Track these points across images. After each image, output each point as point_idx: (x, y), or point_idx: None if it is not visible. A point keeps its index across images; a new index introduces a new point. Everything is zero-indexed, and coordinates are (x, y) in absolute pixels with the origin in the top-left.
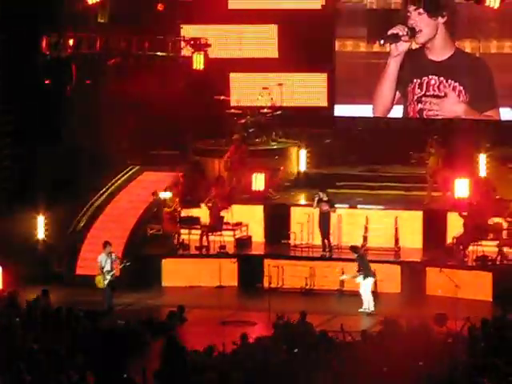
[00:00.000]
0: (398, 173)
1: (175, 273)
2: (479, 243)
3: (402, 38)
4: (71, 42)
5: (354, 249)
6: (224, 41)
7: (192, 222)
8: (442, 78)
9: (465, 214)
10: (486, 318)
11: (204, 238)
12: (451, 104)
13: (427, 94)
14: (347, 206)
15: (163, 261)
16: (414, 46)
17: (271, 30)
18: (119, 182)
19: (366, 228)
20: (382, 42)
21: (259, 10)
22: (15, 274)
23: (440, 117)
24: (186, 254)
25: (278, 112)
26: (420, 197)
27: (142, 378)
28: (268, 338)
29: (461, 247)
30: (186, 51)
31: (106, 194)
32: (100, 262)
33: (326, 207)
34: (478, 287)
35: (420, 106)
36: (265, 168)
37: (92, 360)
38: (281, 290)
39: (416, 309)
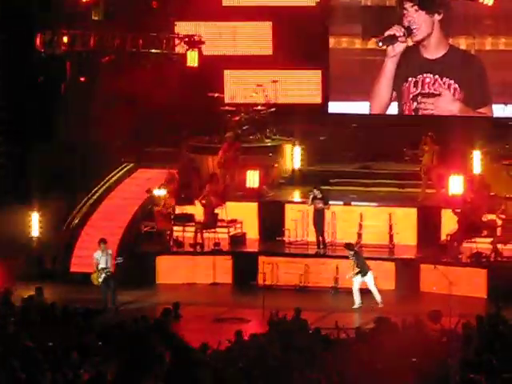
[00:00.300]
0: (392, 170)
1: (169, 270)
2: (473, 240)
3: (399, 39)
4: (65, 39)
5: (348, 246)
6: (218, 38)
7: (186, 219)
8: (436, 76)
9: (459, 210)
10: (481, 315)
11: (198, 235)
12: (446, 102)
13: (422, 92)
14: (341, 202)
15: (157, 258)
16: (410, 44)
17: (265, 27)
18: (113, 179)
19: (361, 225)
20: (380, 43)
21: (253, 6)
22: (9, 271)
23: (435, 114)
24: (180, 252)
25: (273, 109)
26: (414, 194)
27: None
28: (262, 335)
29: (455, 244)
30: (180, 48)
31: (101, 191)
32: (96, 259)
33: (320, 204)
34: (473, 284)
35: (415, 104)
36: (259, 165)
37: (87, 358)
38: (275, 287)
39: (410, 306)
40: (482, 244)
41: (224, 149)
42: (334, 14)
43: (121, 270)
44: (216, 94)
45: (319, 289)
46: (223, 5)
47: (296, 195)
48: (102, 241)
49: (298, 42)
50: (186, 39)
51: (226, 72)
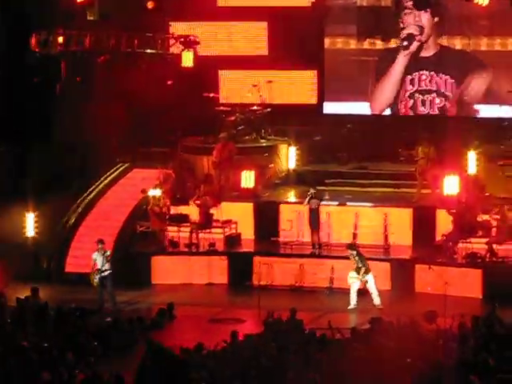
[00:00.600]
0: (387, 170)
1: (165, 270)
2: (468, 240)
3: (416, 38)
4: (61, 39)
5: (350, 246)
6: (213, 38)
7: (181, 219)
8: (432, 73)
9: (454, 211)
10: (477, 316)
11: (193, 235)
12: (444, 97)
13: (419, 89)
14: (337, 203)
15: (152, 258)
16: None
17: (261, 28)
18: (109, 179)
19: (356, 225)
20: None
21: (249, 7)
22: (5, 271)
23: (433, 112)
24: (175, 252)
25: (268, 109)
26: (409, 194)
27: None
28: (258, 336)
29: (450, 244)
30: (176, 48)
31: (96, 191)
32: (94, 259)
33: (315, 204)
34: (468, 284)
35: (412, 101)
36: (254, 165)
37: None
38: (270, 287)
39: (405, 306)
40: (477, 244)
41: (218, 149)
42: (329, 14)
43: (116, 270)
44: (211, 94)
45: (314, 289)
46: (218, 5)
47: (291, 195)
48: (100, 241)
49: (293, 42)
50: (181, 39)
51: (221, 72)
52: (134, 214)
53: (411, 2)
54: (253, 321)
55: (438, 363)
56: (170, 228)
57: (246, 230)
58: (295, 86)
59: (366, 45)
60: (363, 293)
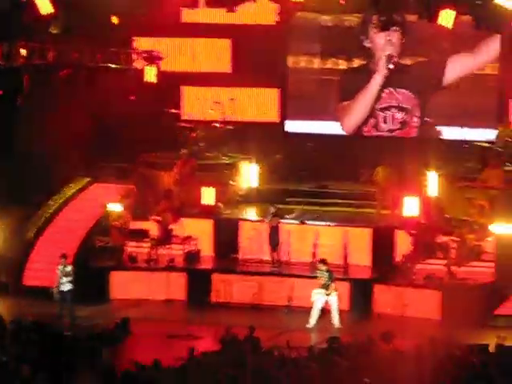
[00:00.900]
0: (347, 190)
1: (123, 286)
2: (427, 262)
3: (395, 58)
4: (23, 51)
5: (323, 261)
6: (177, 54)
7: (141, 234)
8: (391, 88)
9: (413, 232)
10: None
11: (153, 251)
12: (404, 111)
13: (380, 106)
14: (297, 221)
15: (111, 273)
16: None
17: (224, 45)
18: (69, 193)
19: (315, 244)
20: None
21: (213, 23)
22: None
23: (395, 127)
24: (134, 267)
25: (230, 127)
26: (369, 214)
27: None
28: (215, 353)
29: (409, 265)
30: (139, 63)
31: (56, 205)
32: (58, 273)
33: (275, 222)
34: (426, 306)
35: (374, 120)
36: (215, 182)
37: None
38: (229, 304)
39: (363, 326)
40: (436, 266)
41: (179, 165)
42: (293, 32)
43: (74, 284)
44: (173, 110)
45: (273, 307)
46: (182, 21)
47: (251, 213)
48: (62, 256)
49: (257, 60)
50: (145, 54)
51: (184, 88)
52: (94, 228)
53: (377, 21)
54: (210, 338)
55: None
56: (129, 243)
57: (206, 247)
58: (258, 104)
59: (330, 64)
60: (323, 312)
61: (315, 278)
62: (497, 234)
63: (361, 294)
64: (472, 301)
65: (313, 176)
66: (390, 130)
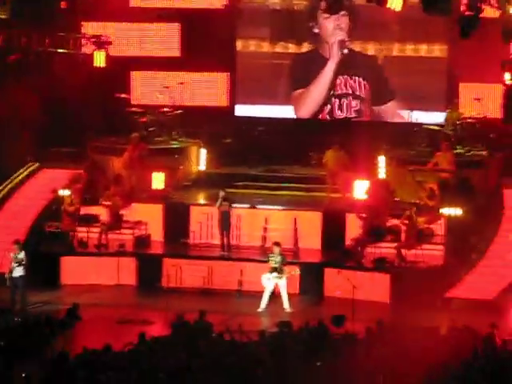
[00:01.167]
0: (297, 173)
1: (74, 271)
2: (377, 245)
3: (346, 43)
4: None
5: (277, 244)
6: (125, 38)
7: (91, 220)
8: (346, 76)
9: (363, 215)
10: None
11: (103, 236)
12: (359, 100)
13: (335, 93)
14: (247, 205)
15: (61, 259)
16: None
17: (173, 29)
18: (18, 179)
19: (266, 228)
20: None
21: (161, 8)
22: None
23: (350, 115)
24: (84, 252)
25: (179, 111)
26: (319, 198)
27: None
28: (166, 338)
29: (359, 249)
30: (88, 48)
31: (5, 191)
32: (11, 259)
33: (226, 207)
34: (376, 289)
35: (329, 106)
36: (165, 167)
37: None
38: (179, 289)
39: (314, 310)
40: (386, 249)
41: (129, 149)
42: (241, 16)
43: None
44: (123, 95)
45: (224, 291)
46: (131, 5)
47: (201, 197)
48: (15, 242)
49: (206, 44)
50: (94, 39)
51: (133, 73)
52: (43, 214)
53: (325, 6)
54: (161, 323)
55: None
56: (79, 228)
57: (156, 232)
58: (207, 88)
59: (279, 48)
60: (273, 296)
61: (266, 262)
62: (447, 216)
63: (311, 277)
64: (422, 284)
65: (263, 160)
66: (346, 118)
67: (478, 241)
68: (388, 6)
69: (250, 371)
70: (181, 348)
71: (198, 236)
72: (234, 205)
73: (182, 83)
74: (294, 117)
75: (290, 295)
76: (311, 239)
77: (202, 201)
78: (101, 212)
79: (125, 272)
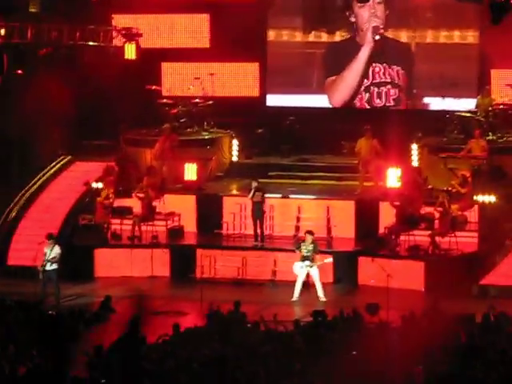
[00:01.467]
0: (329, 162)
1: (107, 263)
2: (411, 233)
3: (380, 30)
4: (2, 31)
5: (310, 233)
6: (156, 30)
7: (124, 212)
8: (384, 64)
9: (397, 203)
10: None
11: (136, 228)
12: (398, 88)
13: (374, 81)
14: (279, 195)
15: (95, 251)
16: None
17: (203, 20)
18: (51, 172)
19: (298, 218)
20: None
21: None
22: None
23: (389, 103)
24: (118, 245)
25: (210, 102)
26: (352, 186)
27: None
28: (200, 329)
29: (393, 237)
30: (118, 41)
31: (38, 184)
32: (44, 253)
33: (259, 197)
34: (410, 277)
35: (368, 95)
36: (197, 158)
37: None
38: (213, 280)
39: (348, 298)
40: (420, 237)
41: (160, 141)
42: (273, 6)
43: (59, 263)
44: (154, 87)
45: (257, 281)
46: None
47: (234, 188)
48: (49, 236)
49: (236, 34)
50: (124, 32)
51: (164, 65)
52: (77, 206)
53: None
54: (195, 313)
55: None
56: (112, 221)
57: (189, 223)
58: (238, 79)
59: (312, 37)
60: (306, 285)
61: (297, 250)
62: (480, 203)
63: (345, 266)
64: (456, 271)
65: (294, 150)
66: (385, 106)
67: (511, 227)
68: None
69: (286, 361)
70: (215, 338)
71: (231, 227)
72: (267, 195)
73: (212, 74)
74: (326, 106)
75: (323, 284)
76: (344, 228)
77: (234, 191)
78: (134, 204)
79: (158, 263)
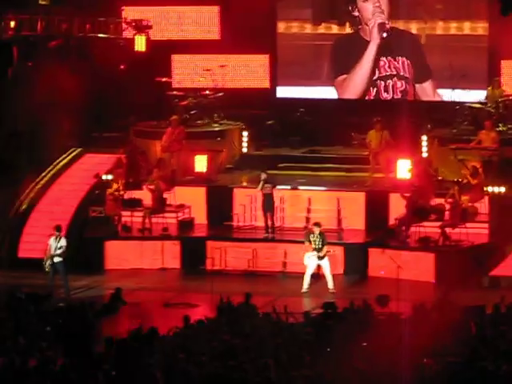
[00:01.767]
0: (339, 154)
1: (118, 255)
2: (421, 224)
3: (387, 26)
4: (12, 23)
5: (317, 224)
6: (166, 22)
7: (135, 204)
8: (389, 57)
9: (407, 195)
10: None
11: (146, 220)
12: (404, 80)
13: (380, 75)
14: (289, 187)
15: (106, 243)
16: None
17: (213, 12)
18: (61, 164)
19: (309, 209)
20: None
21: None
22: None
23: (396, 96)
24: (128, 237)
25: (220, 94)
26: (362, 178)
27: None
28: (211, 320)
29: (403, 228)
30: (128, 33)
31: (48, 176)
32: (49, 245)
33: (269, 189)
34: (421, 268)
35: (375, 89)
36: (207, 150)
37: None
38: (224, 271)
39: (358, 290)
40: (430, 228)
41: (168, 132)
42: None
43: (69, 255)
44: (164, 79)
45: (268, 273)
46: None
47: (244, 180)
48: (56, 227)
49: (246, 26)
50: (134, 24)
51: (174, 56)
52: (87, 198)
53: None
54: (206, 305)
55: (393, 347)
56: (123, 213)
57: (199, 215)
58: (248, 71)
59: (322, 29)
60: (316, 277)
61: (306, 242)
62: (490, 194)
63: (355, 257)
64: (467, 262)
65: (304, 141)
66: (393, 99)
67: None
68: None
69: (296, 352)
70: (226, 330)
71: (241, 218)
72: (277, 186)
73: (222, 66)
74: (336, 97)
75: (334, 276)
76: (355, 220)
77: (244, 183)
78: (144, 196)
79: (169, 255)
